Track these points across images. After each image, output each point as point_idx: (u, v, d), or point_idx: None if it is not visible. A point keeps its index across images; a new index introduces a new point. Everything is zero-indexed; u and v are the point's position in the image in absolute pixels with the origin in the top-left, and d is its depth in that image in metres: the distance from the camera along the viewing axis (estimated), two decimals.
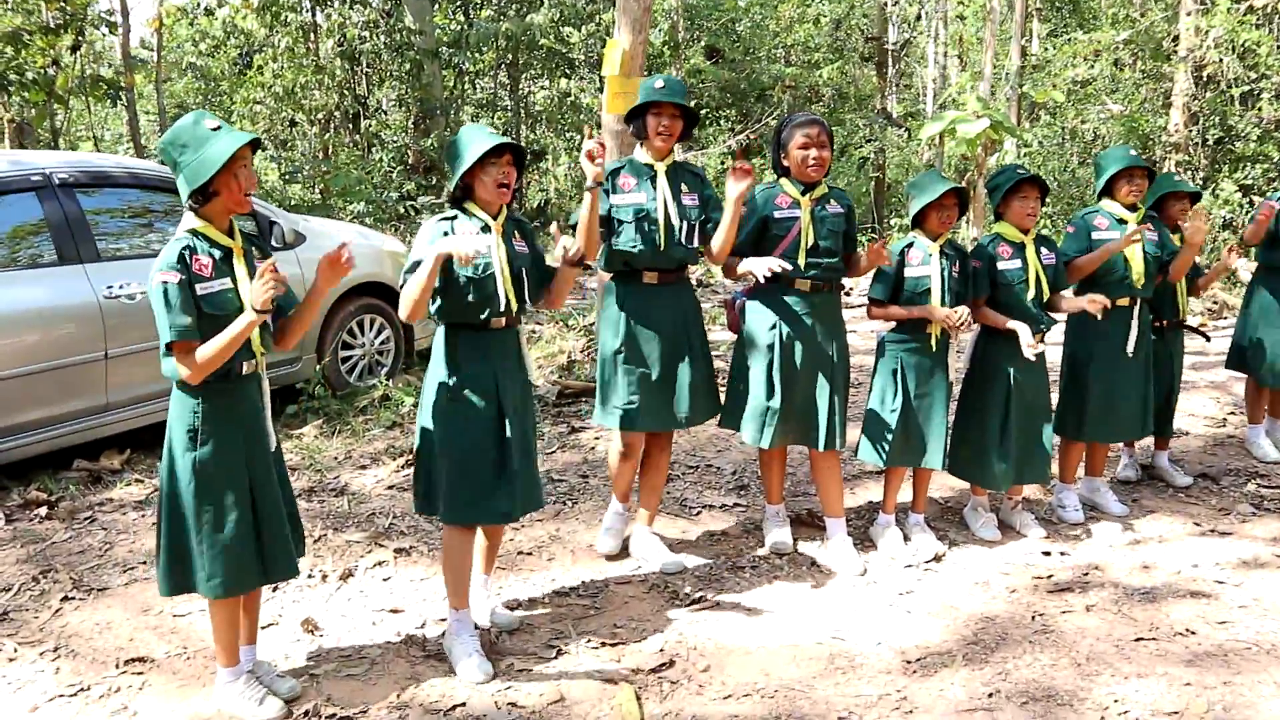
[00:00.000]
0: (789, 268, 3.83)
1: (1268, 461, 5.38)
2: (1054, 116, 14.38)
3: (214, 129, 2.84)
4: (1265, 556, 4.18)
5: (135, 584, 3.96)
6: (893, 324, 4.20)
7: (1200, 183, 12.01)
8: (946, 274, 4.10)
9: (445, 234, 3.27)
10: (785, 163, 4.01)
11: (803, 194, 3.98)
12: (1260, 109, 12.44)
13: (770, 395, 4.00)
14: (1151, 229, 4.60)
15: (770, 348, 3.99)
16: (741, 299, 4.18)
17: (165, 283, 2.79)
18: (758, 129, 16.83)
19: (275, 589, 3.86)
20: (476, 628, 3.55)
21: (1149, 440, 5.12)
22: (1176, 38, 12.83)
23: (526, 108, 17.67)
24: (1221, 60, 12.09)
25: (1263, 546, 4.29)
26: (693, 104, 3.89)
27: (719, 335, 7.45)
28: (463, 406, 3.31)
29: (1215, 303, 9.70)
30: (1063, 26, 17.66)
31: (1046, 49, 16.10)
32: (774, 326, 3.99)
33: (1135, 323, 4.54)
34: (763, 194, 4.04)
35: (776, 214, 3.96)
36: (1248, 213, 11.64)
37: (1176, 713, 3.04)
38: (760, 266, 3.78)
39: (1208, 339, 5.32)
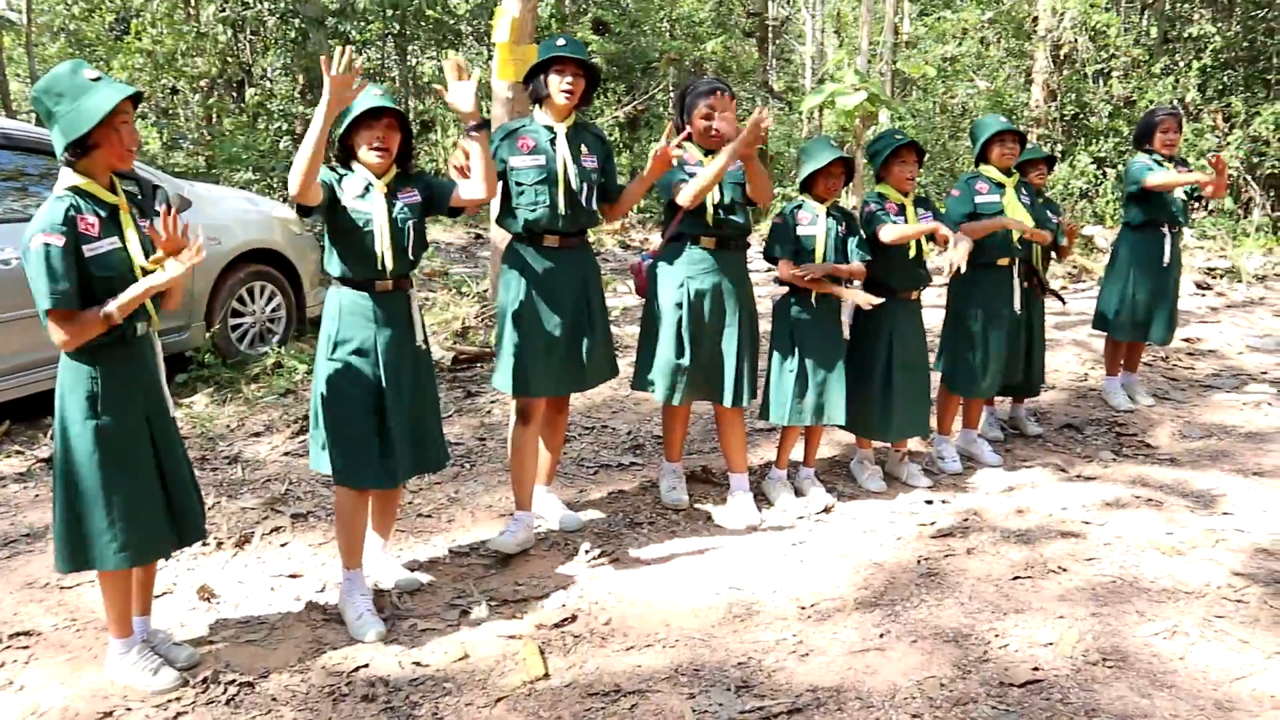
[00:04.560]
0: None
1: (1122, 410, 5.74)
2: (925, 91, 14.90)
3: (94, 79, 2.74)
4: (1126, 498, 4.45)
5: (18, 557, 3.84)
6: (785, 286, 4.33)
7: (1060, 154, 12.60)
8: (834, 234, 4.24)
9: (332, 181, 3.26)
10: (688, 128, 4.07)
11: (705, 156, 4.04)
12: (1111, 87, 13.13)
13: (680, 353, 4.06)
14: (1025, 193, 4.85)
15: (679, 305, 4.05)
16: (649, 260, 4.23)
17: (48, 244, 2.67)
18: (645, 101, 16.90)
19: (168, 558, 3.78)
20: (379, 591, 3.57)
21: (1007, 400, 5.46)
22: (1036, 19, 13.41)
23: (415, 78, 17.37)
24: (1076, 41, 12.70)
25: (1123, 489, 4.57)
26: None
27: (611, 301, 7.51)
28: (342, 368, 3.29)
29: (1075, 267, 10.19)
30: (932, 5, 18.19)
31: (918, 27, 16.61)
32: (682, 285, 4.05)
33: (1015, 280, 4.80)
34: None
35: (686, 168, 4.01)
36: (1100, 183, 12.32)
37: (1051, 643, 3.23)
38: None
39: (1063, 302, 5.62)
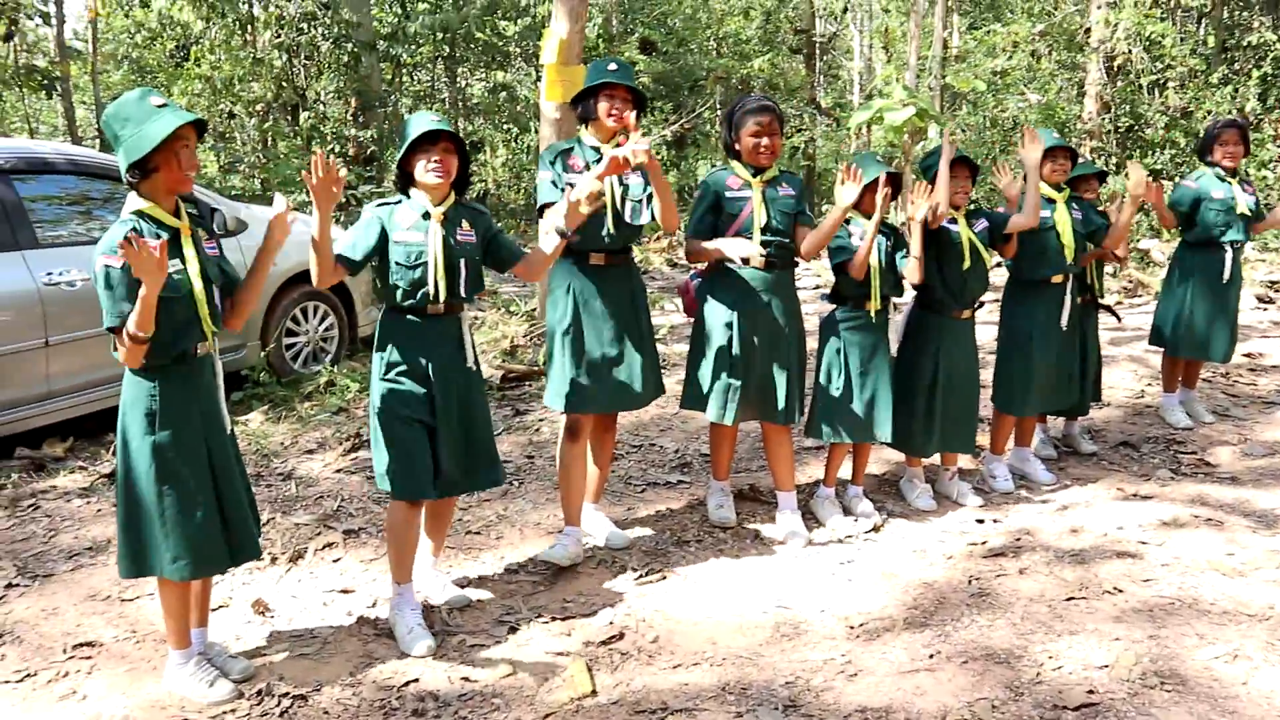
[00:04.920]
0: (763, 252, 3.92)
1: (1180, 428, 5.63)
2: (975, 106, 14.79)
3: (159, 105, 2.83)
4: (1184, 517, 4.36)
5: (81, 570, 3.94)
6: (835, 303, 4.32)
7: (1113, 168, 12.40)
8: (883, 250, 4.23)
9: (380, 219, 3.33)
10: (736, 146, 4.08)
11: (754, 176, 4.05)
12: (1167, 97, 12.93)
13: (732, 372, 4.07)
14: (1076, 207, 4.80)
15: (729, 326, 4.05)
16: (697, 280, 4.25)
17: (107, 266, 2.77)
18: (692, 120, 16.98)
19: (224, 572, 3.85)
20: (429, 607, 3.61)
21: (1060, 419, 5.39)
22: (1088, 30, 13.26)
23: (464, 100, 17.61)
24: (1130, 51, 12.53)
25: (1181, 508, 4.47)
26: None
27: (658, 319, 7.53)
28: (395, 388, 3.34)
29: (1130, 281, 10.02)
30: (981, 19, 18.12)
31: (967, 41, 16.51)
32: (731, 305, 4.06)
33: (1068, 298, 4.74)
34: (714, 176, 4.12)
35: (728, 194, 4.03)
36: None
37: (1107, 666, 3.17)
38: (734, 248, 3.86)
39: (1119, 319, 5.54)
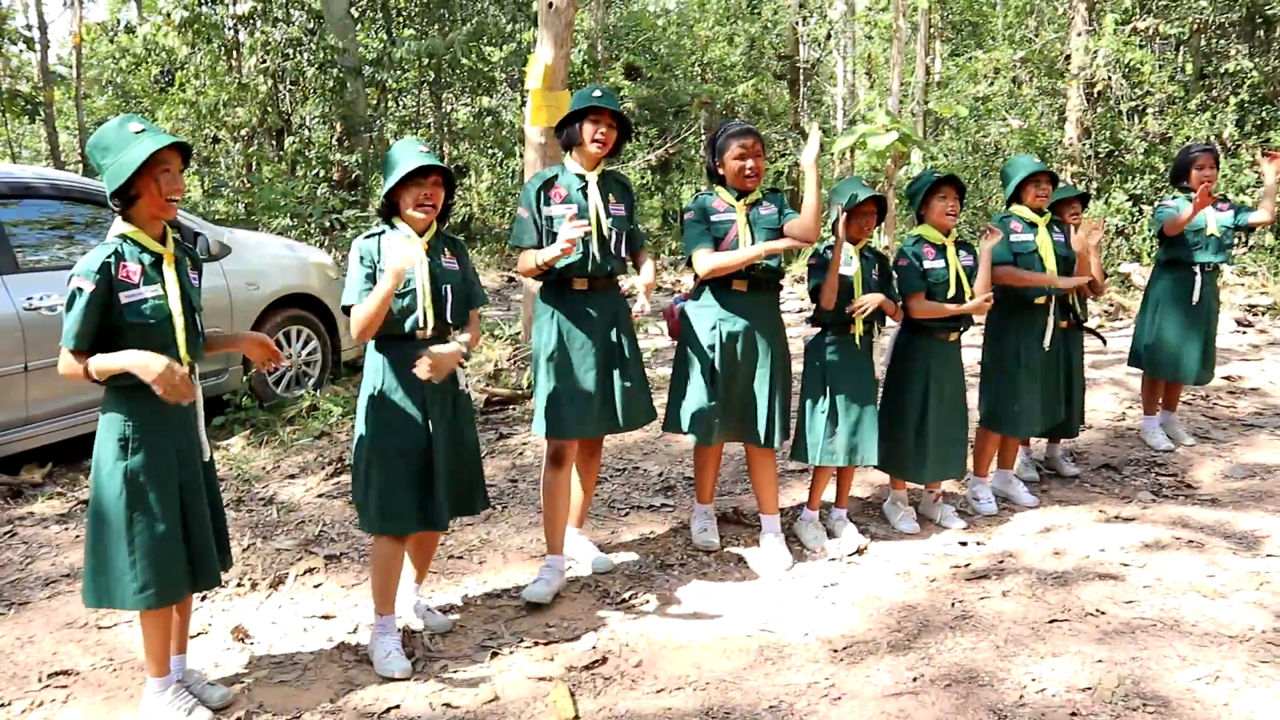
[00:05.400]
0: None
1: (1160, 450, 5.66)
2: (957, 131, 14.92)
3: (137, 131, 2.82)
4: (1166, 539, 4.37)
5: (58, 597, 3.90)
6: (819, 327, 4.34)
7: (1095, 192, 12.54)
8: (867, 274, 4.25)
9: (372, 251, 3.31)
10: (721, 171, 4.11)
11: (737, 199, 4.08)
12: (1146, 123, 13.08)
13: (712, 395, 4.07)
14: (1059, 231, 4.85)
15: (711, 348, 4.06)
16: (680, 303, 4.26)
17: (78, 289, 2.77)
18: (676, 144, 17.08)
19: (204, 598, 3.83)
20: (410, 632, 3.58)
21: (1043, 441, 5.40)
22: (1069, 57, 13.40)
23: (449, 125, 17.67)
24: (1110, 78, 12.67)
25: (1163, 530, 4.49)
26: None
27: (642, 342, 7.53)
28: (387, 415, 3.33)
29: (1111, 304, 10.10)
30: (963, 46, 18.31)
31: (949, 67, 16.68)
32: (714, 327, 4.07)
33: (1051, 319, 4.78)
34: (700, 199, 4.14)
35: (714, 217, 4.05)
36: (1136, 220, 12.20)
37: (1090, 688, 3.17)
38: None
39: (1104, 341, 5.58)
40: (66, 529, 4.58)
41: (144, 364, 2.75)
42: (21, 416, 5.05)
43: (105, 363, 2.78)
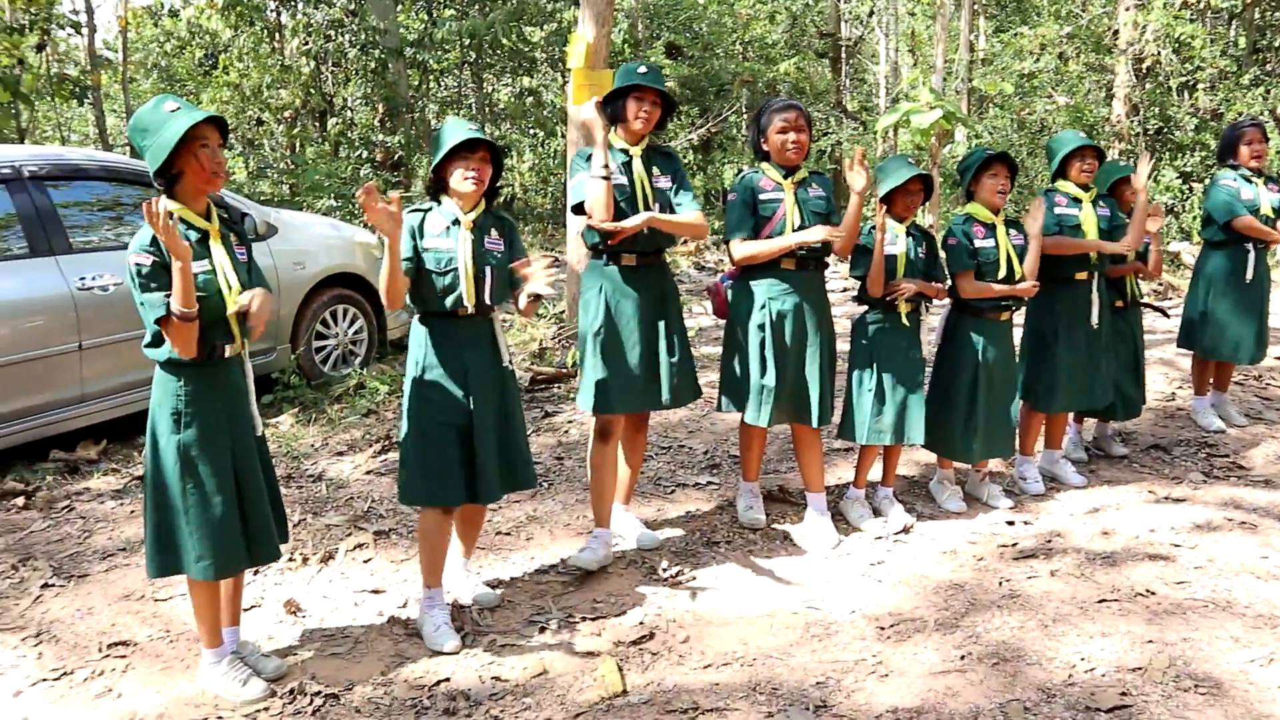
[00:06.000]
0: (832, 233, 3.92)
1: (1212, 431, 5.57)
2: (1002, 108, 14.68)
3: (173, 110, 2.86)
4: (1218, 520, 4.31)
5: (115, 570, 3.98)
6: (866, 305, 4.31)
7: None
8: (914, 253, 4.21)
9: (414, 226, 3.33)
10: (765, 147, 4.08)
11: (784, 178, 4.05)
12: (1196, 99, 12.78)
13: (764, 374, 4.06)
14: (1103, 205, 4.77)
15: (761, 327, 4.05)
16: (727, 282, 4.25)
17: (138, 264, 2.82)
18: (718, 124, 16.98)
19: (256, 572, 3.90)
20: (459, 607, 3.63)
21: (1092, 421, 5.33)
22: (1116, 32, 13.13)
23: (491, 105, 17.69)
24: (1159, 53, 12.39)
25: (1214, 511, 4.42)
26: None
27: (686, 322, 7.51)
28: (430, 391, 3.36)
29: (1161, 284, 9.92)
30: (1008, 22, 17.99)
31: (993, 44, 16.41)
32: (763, 306, 4.05)
33: (1095, 295, 4.70)
34: (747, 178, 4.11)
35: (762, 196, 4.03)
36: (1186, 199, 11.95)
37: (1140, 668, 3.15)
38: (805, 236, 3.91)
39: (1167, 315, 5.48)
40: (122, 504, 4.67)
41: (184, 265, 2.75)
42: (76, 394, 5.16)
43: (175, 296, 2.77)
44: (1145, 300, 5.15)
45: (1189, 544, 4.07)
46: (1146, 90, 12.87)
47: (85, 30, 13.60)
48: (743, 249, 4.02)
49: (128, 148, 16.03)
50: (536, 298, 3.36)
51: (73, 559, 4.10)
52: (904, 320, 4.25)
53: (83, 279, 5.10)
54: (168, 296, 2.80)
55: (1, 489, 4.83)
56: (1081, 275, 4.68)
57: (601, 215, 3.69)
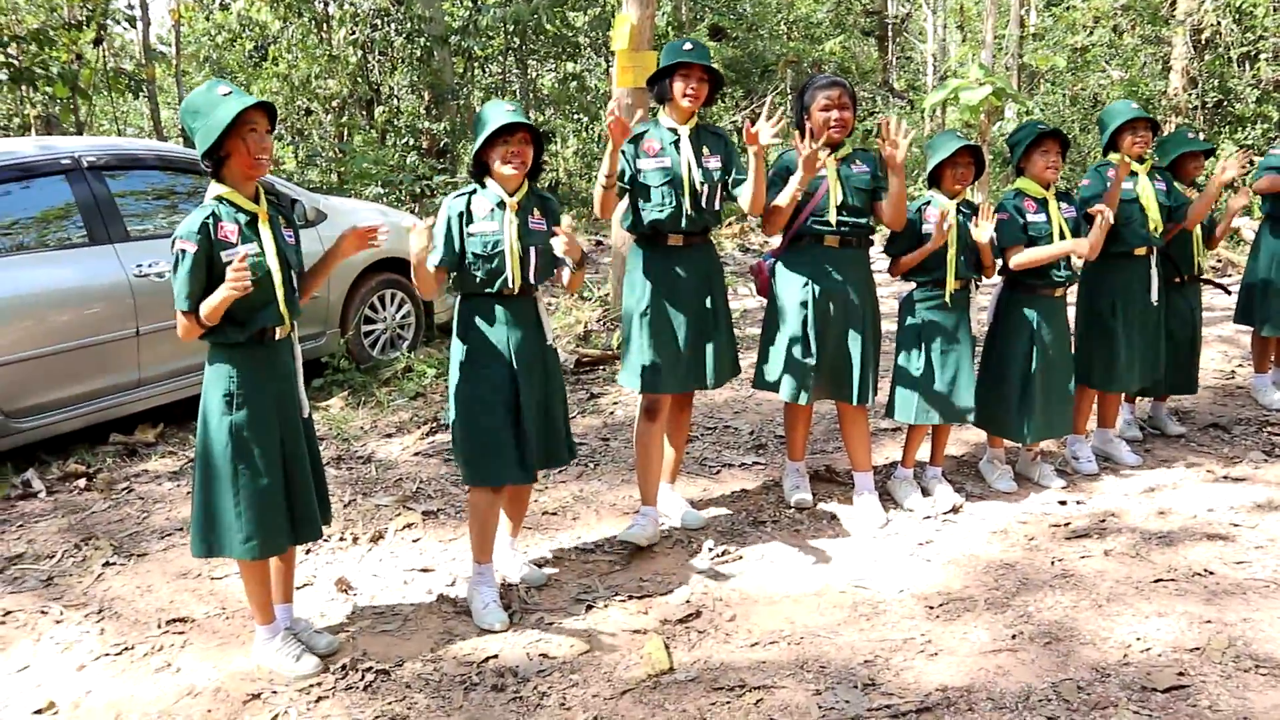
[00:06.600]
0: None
1: (1273, 409, 5.44)
2: (1054, 84, 14.37)
3: (225, 94, 2.90)
4: (1279, 500, 4.21)
5: (173, 549, 4.07)
6: (914, 283, 4.26)
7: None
8: (963, 230, 4.15)
9: (460, 211, 3.36)
10: (808, 124, 4.04)
11: (828, 155, 4.01)
12: (1258, 70, 12.41)
13: (806, 352, 4.04)
14: (1160, 179, 4.67)
15: (803, 305, 4.03)
16: (770, 260, 4.22)
17: (182, 251, 2.86)
18: (763, 104, 16.85)
19: (308, 551, 3.96)
20: (507, 585, 3.65)
21: (1147, 399, 5.24)
22: (1174, 3, 12.79)
23: (535, 91, 17.71)
24: (1219, 23, 12.05)
25: (1276, 490, 4.32)
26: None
27: (731, 303, 7.48)
28: (476, 370, 3.39)
29: (1220, 260, 9.69)
30: None
31: (1045, 18, 16.07)
32: (806, 284, 4.03)
33: (1155, 271, 4.60)
34: (788, 154, 4.07)
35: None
36: (1246, 173, 11.62)
37: (1198, 648, 3.09)
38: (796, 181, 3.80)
39: (1228, 292, 5.35)
40: (178, 485, 4.77)
41: (230, 295, 2.81)
42: (134, 379, 5.26)
43: (208, 304, 2.85)
44: (1206, 277, 5.02)
45: (1249, 524, 3.98)
46: (1205, 62, 12.55)
47: (140, 25, 13.83)
48: (765, 216, 3.95)
49: (181, 138, 16.30)
50: (578, 266, 3.40)
51: (132, 538, 4.20)
52: (947, 298, 4.19)
53: (139, 266, 5.20)
54: (197, 291, 2.86)
55: (64, 471, 4.96)
56: (1140, 251, 4.59)
57: (600, 215, 3.79)
